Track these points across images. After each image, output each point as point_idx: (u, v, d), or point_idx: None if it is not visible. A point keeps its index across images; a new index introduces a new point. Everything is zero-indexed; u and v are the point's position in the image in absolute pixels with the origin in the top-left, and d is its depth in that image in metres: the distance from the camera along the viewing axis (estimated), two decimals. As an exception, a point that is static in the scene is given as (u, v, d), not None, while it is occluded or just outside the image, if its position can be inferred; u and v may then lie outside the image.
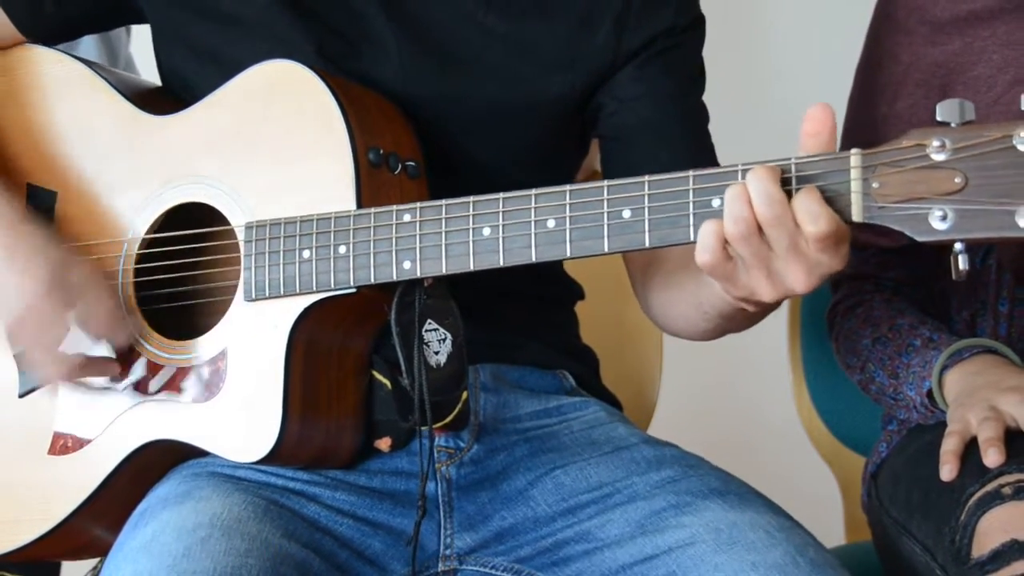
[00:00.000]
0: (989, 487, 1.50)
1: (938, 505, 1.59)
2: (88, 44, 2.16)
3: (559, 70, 1.63)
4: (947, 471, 1.57)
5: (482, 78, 1.62)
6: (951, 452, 1.58)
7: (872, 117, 1.84)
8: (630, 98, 1.64)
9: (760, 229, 1.30)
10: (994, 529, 1.46)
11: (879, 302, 1.84)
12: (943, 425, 1.65)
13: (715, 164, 1.64)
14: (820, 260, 1.31)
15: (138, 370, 1.57)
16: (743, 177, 1.31)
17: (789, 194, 1.29)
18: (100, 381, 1.57)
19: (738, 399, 2.91)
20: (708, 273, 1.35)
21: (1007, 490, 1.48)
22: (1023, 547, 1.43)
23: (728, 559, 1.42)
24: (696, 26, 1.68)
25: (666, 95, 1.64)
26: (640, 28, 1.63)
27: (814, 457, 2.22)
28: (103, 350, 1.56)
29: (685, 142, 1.64)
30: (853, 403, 2.04)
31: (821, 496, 2.22)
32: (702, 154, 1.65)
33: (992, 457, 1.52)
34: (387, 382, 1.54)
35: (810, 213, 1.28)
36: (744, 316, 1.47)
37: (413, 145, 1.57)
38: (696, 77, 1.69)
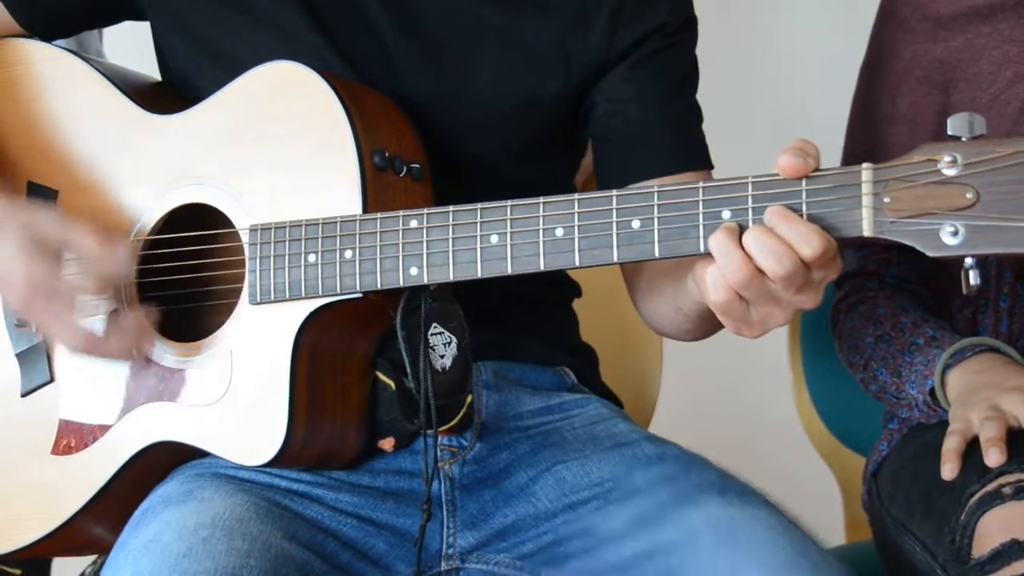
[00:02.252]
0: (990, 487, 1.50)
1: (939, 504, 1.59)
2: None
3: (554, 66, 1.63)
4: (948, 470, 1.57)
5: (477, 73, 1.61)
6: (952, 451, 1.58)
7: (874, 116, 1.84)
8: (621, 99, 1.64)
9: (761, 272, 1.31)
10: (994, 529, 1.47)
11: (882, 299, 1.84)
12: (944, 424, 1.66)
13: (707, 166, 1.66)
14: (822, 276, 1.33)
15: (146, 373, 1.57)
16: (752, 189, 1.31)
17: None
18: (110, 373, 1.56)
19: (738, 399, 2.91)
20: (722, 315, 1.36)
21: (1007, 490, 1.49)
22: (1023, 547, 1.43)
23: (728, 555, 1.42)
24: (689, 26, 1.68)
25: (656, 98, 1.64)
26: (633, 25, 1.63)
27: (814, 457, 2.22)
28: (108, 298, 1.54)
29: (675, 145, 1.65)
30: (853, 403, 2.04)
31: (821, 496, 2.22)
32: (692, 157, 1.65)
33: (993, 457, 1.52)
34: (391, 383, 1.54)
35: (801, 236, 1.29)
36: None
37: (416, 146, 1.56)
38: (688, 78, 1.69)
